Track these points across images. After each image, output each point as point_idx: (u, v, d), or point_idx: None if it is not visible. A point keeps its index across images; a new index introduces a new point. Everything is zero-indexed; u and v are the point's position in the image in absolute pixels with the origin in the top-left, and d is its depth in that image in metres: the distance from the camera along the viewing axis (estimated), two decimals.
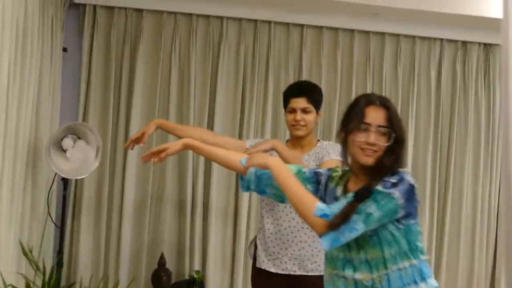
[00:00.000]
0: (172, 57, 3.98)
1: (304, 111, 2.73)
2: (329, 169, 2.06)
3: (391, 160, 1.83)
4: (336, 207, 1.79)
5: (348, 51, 4.15)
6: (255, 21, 4.06)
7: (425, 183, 4.17)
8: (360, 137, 1.83)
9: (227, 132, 3.98)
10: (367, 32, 4.14)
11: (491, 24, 3.98)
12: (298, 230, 2.73)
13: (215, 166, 3.96)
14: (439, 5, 3.84)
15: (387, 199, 1.78)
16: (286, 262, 2.75)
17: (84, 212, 3.89)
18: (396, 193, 1.78)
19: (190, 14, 4.00)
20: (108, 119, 3.91)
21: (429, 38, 4.20)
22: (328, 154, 2.72)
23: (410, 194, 1.81)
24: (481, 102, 4.25)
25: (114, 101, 3.94)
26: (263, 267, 2.79)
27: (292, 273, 2.74)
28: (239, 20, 4.05)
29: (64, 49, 3.80)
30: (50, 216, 3.49)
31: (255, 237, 2.92)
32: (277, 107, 4.08)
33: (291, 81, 4.06)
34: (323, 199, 1.95)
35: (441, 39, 4.21)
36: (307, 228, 2.70)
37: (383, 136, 1.83)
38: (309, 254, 2.74)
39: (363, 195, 1.77)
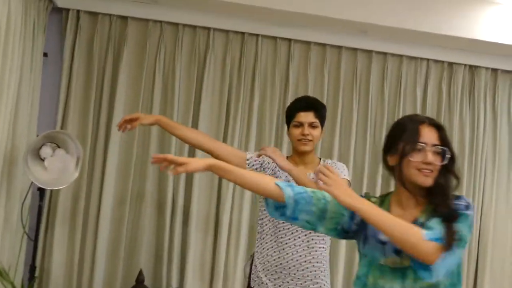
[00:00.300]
0: (156, 67, 3.88)
1: (311, 125, 2.68)
2: (367, 194, 1.97)
3: (449, 179, 1.80)
4: (438, 231, 1.69)
5: (335, 68, 4.12)
6: (243, 33, 3.99)
7: None
8: (416, 157, 1.78)
9: None
10: (355, 49, 4.12)
11: (477, 46, 4.04)
12: (303, 250, 2.66)
13: (196, 177, 3.87)
14: (427, 25, 3.84)
15: (469, 221, 1.74)
16: (288, 282, 2.67)
17: (59, 224, 3.73)
18: (472, 215, 1.74)
19: (177, 24, 3.92)
20: (87, 128, 3.78)
21: (416, 58, 4.19)
22: None
23: (473, 220, 1.78)
24: (466, 123, 4.25)
25: (95, 109, 3.82)
26: None
27: None
28: (226, 32, 3.98)
29: (45, 54, 3.67)
30: (24, 228, 3.33)
31: (252, 257, 2.82)
32: (262, 121, 4.01)
33: (277, 95, 4.01)
34: (358, 226, 1.87)
35: (428, 59, 4.21)
36: (312, 247, 2.66)
37: (437, 155, 1.80)
38: (312, 274, 2.67)
39: (453, 217, 1.71)
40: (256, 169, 2.70)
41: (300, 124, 2.68)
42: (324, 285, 2.70)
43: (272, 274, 2.68)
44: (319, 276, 2.68)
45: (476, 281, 4.26)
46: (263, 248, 2.71)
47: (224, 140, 3.95)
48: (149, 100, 3.88)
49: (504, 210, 4.31)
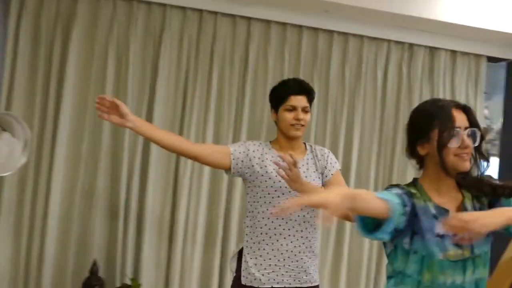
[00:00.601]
0: (109, 46, 3.65)
1: (304, 110, 2.58)
2: (399, 185, 1.83)
3: (486, 160, 1.80)
4: None
5: (296, 48, 3.99)
6: (200, 11, 3.81)
7: (367, 185, 4.09)
8: (453, 143, 1.73)
9: (167, 128, 3.72)
10: (316, 29, 4.01)
11: (437, 27, 4.01)
12: (298, 240, 2.56)
13: (152, 168, 3.69)
14: (388, 5, 3.78)
15: None
16: (282, 275, 2.55)
17: (4, 214, 3.49)
18: None
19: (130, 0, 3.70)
20: (34, 110, 3.54)
21: (376, 39, 4.12)
22: (332, 165, 2.65)
23: None
24: None
25: (43, 90, 3.57)
26: (255, 286, 2.55)
27: (287, 285, 2.56)
28: (183, 8, 3.78)
29: None
30: None
31: (241, 251, 2.64)
32: (220, 102, 3.86)
33: (236, 75, 3.87)
34: (407, 222, 1.71)
35: (389, 40, 4.15)
36: (306, 237, 2.57)
37: (469, 137, 1.77)
38: (306, 265, 2.58)
39: None
40: (242, 160, 2.56)
41: (293, 108, 2.56)
42: (315, 274, 2.63)
43: (265, 268, 2.55)
44: (311, 266, 2.61)
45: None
46: (254, 242, 2.57)
47: (182, 124, 3.79)
48: (101, 81, 3.65)
49: None
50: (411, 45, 4.19)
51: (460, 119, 1.76)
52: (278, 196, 2.53)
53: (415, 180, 1.84)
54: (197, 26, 3.81)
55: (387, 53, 4.17)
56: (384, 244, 1.81)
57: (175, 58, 3.78)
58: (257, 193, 2.56)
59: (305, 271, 2.57)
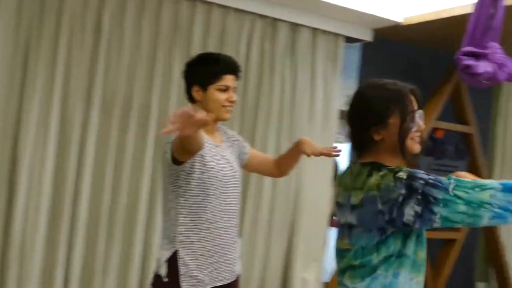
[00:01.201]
0: None
1: (234, 91, 2.40)
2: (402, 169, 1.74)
3: (424, 141, 1.80)
4: None
5: (155, 15, 3.64)
6: None
7: None
8: (413, 128, 1.73)
9: (2, 103, 3.20)
10: None
11: (299, 2, 3.92)
12: (232, 228, 2.41)
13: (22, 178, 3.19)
14: None
15: None
16: (224, 270, 2.37)
17: None
18: None
19: None
20: None
21: (240, 10, 3.91)
22: (245, 143, 2.59)
23: None
24: (286, 82, 4.14)
25: None
26: None
27: (226, 282, 2.39)
28: None
29: None
30: None
31: (175, 255, 2.31)
32: (69, 73, 3.39)
33: (87, 45, 3.41)
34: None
35: (253, 13, 3.96)
36: (237, 226, 2.45)
37: (419, 119, 1.76)
38: (237, 256, 2.45)
39: None
40: None
41: (226, 89, 2.36)
42: (239, 263, 2.52)
43: (207, 268, 2.31)
44: (238, 256, 2.49)
45: (290, 251, 4.25)
46: (193, 241, 2.30)
47: (21, 97, 3.27)
48: None
49: (318, 170, 4.30)
50: (274, 20, 4.06)
51: (415, 102, 1.76)
52: (222, 187, 2.35)
53: (379, 164, 1.74)
54: None
55: (250, 26, 3.99)
56: (381, 232, 1.67)
57: (14, 18, 3.22)
58: (196, 186, 2.30)
59: (235, 261, 2.45)
